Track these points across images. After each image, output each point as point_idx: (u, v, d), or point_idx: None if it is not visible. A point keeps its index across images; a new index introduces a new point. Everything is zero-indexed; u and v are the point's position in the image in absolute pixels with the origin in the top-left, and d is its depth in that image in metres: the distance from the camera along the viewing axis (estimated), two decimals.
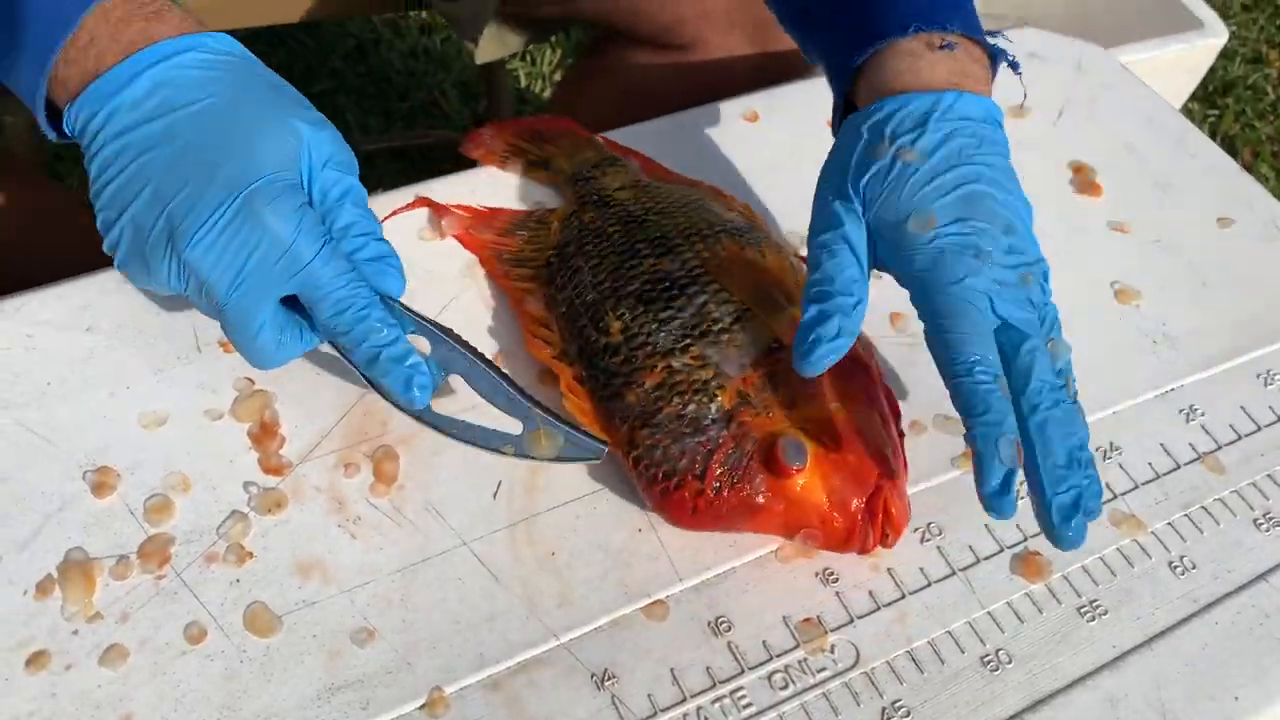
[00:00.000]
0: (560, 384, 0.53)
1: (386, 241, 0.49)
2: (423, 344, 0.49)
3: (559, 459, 0.48)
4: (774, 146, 0.68)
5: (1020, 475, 0.44)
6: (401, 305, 0.49)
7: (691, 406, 0.50)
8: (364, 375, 0.49)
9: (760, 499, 0.49)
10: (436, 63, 1.52)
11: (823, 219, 0.50)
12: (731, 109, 0.70)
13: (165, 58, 0.46)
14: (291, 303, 0.48)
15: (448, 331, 0.49)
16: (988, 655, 0.49)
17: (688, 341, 0.52)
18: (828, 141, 0.69)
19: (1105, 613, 0.50)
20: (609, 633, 0.48)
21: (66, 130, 0.48)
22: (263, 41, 1.51)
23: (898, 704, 0.47)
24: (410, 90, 1.47)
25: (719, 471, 0.49)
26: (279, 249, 0.45)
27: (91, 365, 0.55)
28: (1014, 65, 0.53)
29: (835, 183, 0.50)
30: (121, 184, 0.46)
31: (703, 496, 0.49)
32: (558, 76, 1.51)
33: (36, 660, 0.46)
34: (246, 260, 0.45)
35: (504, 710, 0.46)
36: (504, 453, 0.49)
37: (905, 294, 0.49)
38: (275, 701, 0.45)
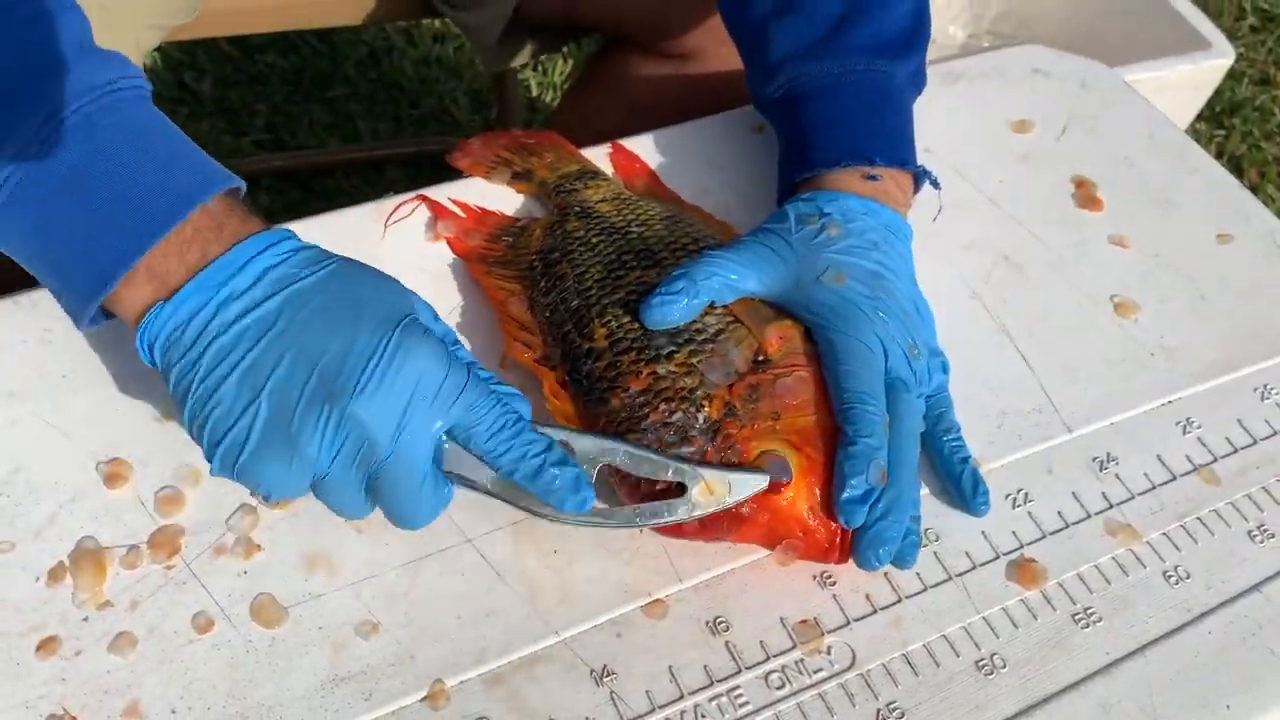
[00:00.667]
0: (544, 388, 0.54)
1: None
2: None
3: (734, 500, 0.48)
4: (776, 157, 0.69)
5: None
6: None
7: (678, 415, 0.51)
8: (509, 499, 0.47)
9: (744, 511, 0.49)
10: (448, 71, 1.53)
11: (751, 232, 0.58)
12: (740, 119, 0.71)
13: (268, 246, 0.46)
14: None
15: (584, 432, 0.49)
16: (982, 660, 0.49)
17: (673, 349, 0.53)
18: None
19: (1099, 620, 0.51)
20: (609, 630, 0.49)
21: (153, 332, 0.45)
22: (275, 48, 1.53)
23: (892, 706, 0.48)
24: (422, 98, 1.49)
25: None
26: (437, 379, 0.45)
27: (106, 359, 0.56)
28: (935, 183, 0.62)
29: (771, 228, 0.58)
30: (250, 365, 0.44)
31: None
32: (568, 86, 1.52)
33: (47, 646, 0.47)
34: (410, 397, 0.44)
35: (504, 704, 0.47)
36: (682, 518, 0.48)
37: None
38: (280, 691, 0.46)
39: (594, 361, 0.53)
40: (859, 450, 0.50)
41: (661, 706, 0.47)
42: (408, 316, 0.46)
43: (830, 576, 0.51)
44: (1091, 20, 1.30)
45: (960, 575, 0.52)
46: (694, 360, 0.52)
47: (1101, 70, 0.77)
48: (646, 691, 0.47)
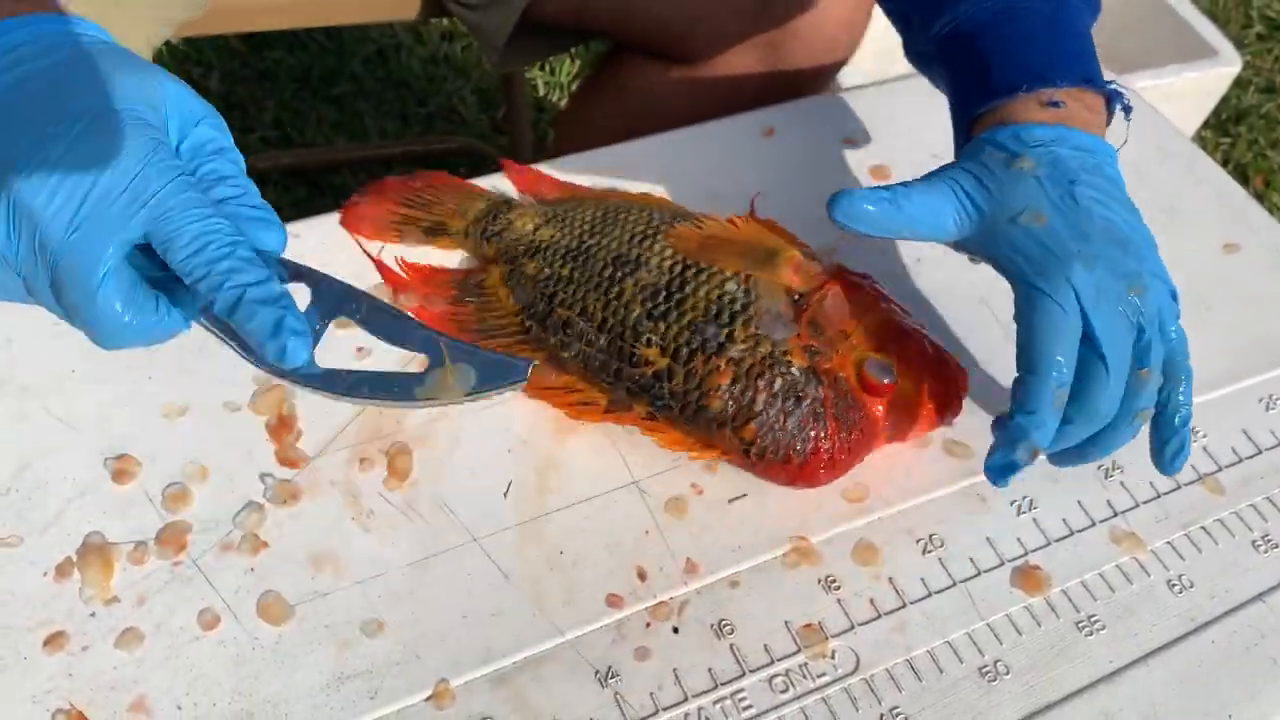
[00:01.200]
0: (640, 430, 0.55)
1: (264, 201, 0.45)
2: (302, 296, 0.42)
3: (476, 392, 0.42)
4: (790, 161, 0.69)
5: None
6: (280, 260, 0.43)
7: (778, 382, 0.52)
8: (228, 339, 0.43)
9: (876, 423, 0.54)
10: (456, 69, 1.53)
11: (938, 169, 0.54)
12: (748, 123, 0.71)
13: (26, 24, 0.43)
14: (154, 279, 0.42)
15: (329, 278, 0.44)
16: (986, 666, 0.49)
17: (729, 329, 0.53)
18: (844, 158, 0.70)
19: (1103, 628, 0.51)
20: (613, 632, 0.49)
21: None
22: (283, 44, 1.53)
23: (896, 711, 0.48)
24: (429, 96, 1.49)
25: (836, 422, 0.52)
26: (124, 178, 0.40)
27: (114, 356, 0.55)
28: (1127, 109, 0.57)
29: (964, 165, 0.53)
30: None
31: (835, 450, 0.52)
32: (575, 87, 1.52)
33: (54, 641, 0.47)
34: (88, 193, 0.40)
35: (508, 704, 0.47)
36: (418, 400, 0.42)
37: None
38: (286, 688, 0.46)
39: (669, 381, 0.53)
40: (1015, 424, 0.47)
41: (666, 709, 0.47)
42: (115, 110, 0.41)
43: (835, 581, 0.52)
44: (1098, 28, 1.30)
45: (964, 581, 0.52)
46: (752, 330, 0.53)
47: (1110, 79, 0.77)
48: (651, 694, 0.47)
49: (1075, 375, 0.48)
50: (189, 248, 0.40)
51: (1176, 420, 0.50)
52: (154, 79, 0.43)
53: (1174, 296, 0.51)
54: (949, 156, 0.71)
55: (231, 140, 0.45)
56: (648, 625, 0.49)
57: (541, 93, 1.54)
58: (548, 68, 1.57)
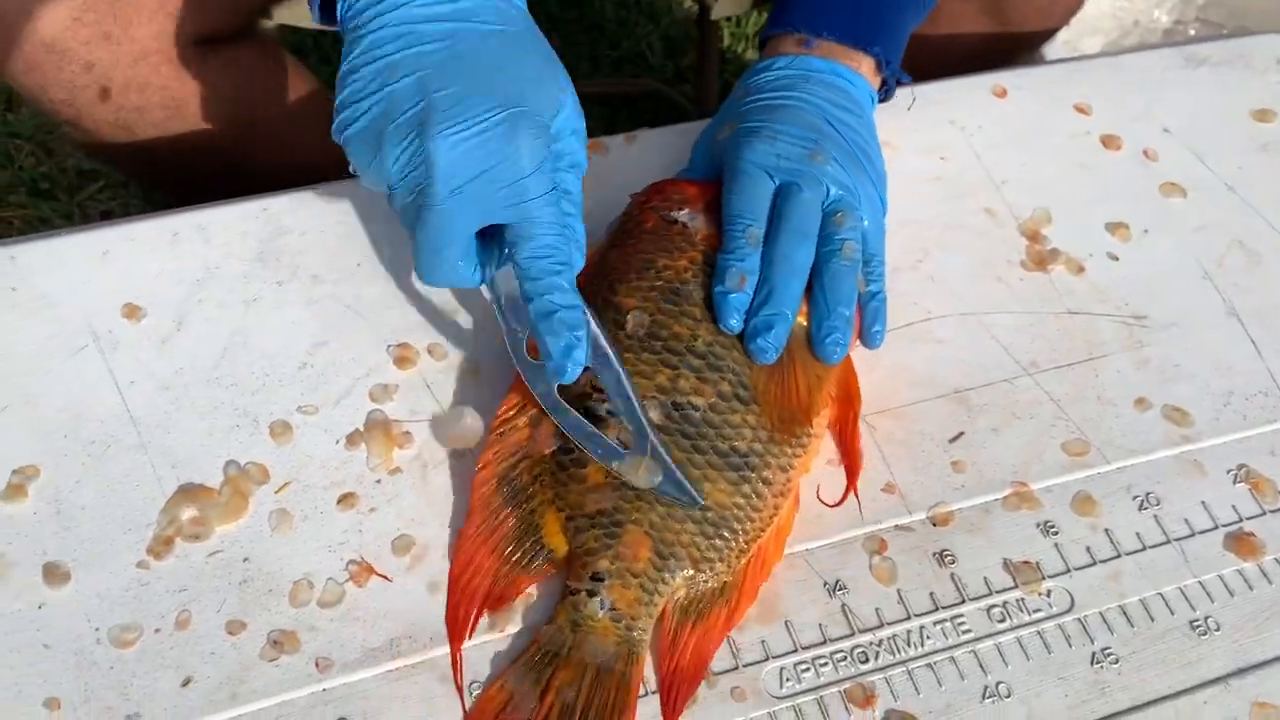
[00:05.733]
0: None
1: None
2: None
3: (653, 489, 0.49)
4: (1019, 123, 0.71)
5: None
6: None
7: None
8: (509, 331, 0.51)
9: None
10: (646, 14, 1.56)
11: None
12: (980, 82, 0.73)
13: None
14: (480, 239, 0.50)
15: (611, 341, 0.50)
16: (1196, 620, 0.52)
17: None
18: (1075, 123, 0.72)
19: None
20: (840, 550, 0.53)
21: (343, 5, 0.50)
22: None
23: (1107, 651, 0.50)
24: (620, 39, 1.52)
25: None
26: (515, 174, 0.47)
27: (394, 252, 0.61)
28: (899, 79, 0.64)
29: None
30: (390, 63, 0.47)
31: None
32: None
33: (346, 500, 0.52)
34: (481, 171, 0.46)
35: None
36: (609, 468, 0.49)
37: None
38: None
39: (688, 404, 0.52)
40: (721, 262, 0.54)
41: (889, 623, 0.51)
42: (530, 113, 0.47)
43: (1053, 526, 0.54)
44: None
45: (1178, 540, 0.54)
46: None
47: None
48: (875, 608, 0.51)
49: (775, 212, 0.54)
50: (535, 250, 0.48)
51: (870, 290, 0.56)
52: (558, 89, 0.50)
53: (846, 158, 0.57)
54: (1177, 131, 0.71)
55: (585, 152, 0.52)
56: (874, 549, 0.53)
57: (726, 43, 1.56)
58: (734, 20, 1.59)
